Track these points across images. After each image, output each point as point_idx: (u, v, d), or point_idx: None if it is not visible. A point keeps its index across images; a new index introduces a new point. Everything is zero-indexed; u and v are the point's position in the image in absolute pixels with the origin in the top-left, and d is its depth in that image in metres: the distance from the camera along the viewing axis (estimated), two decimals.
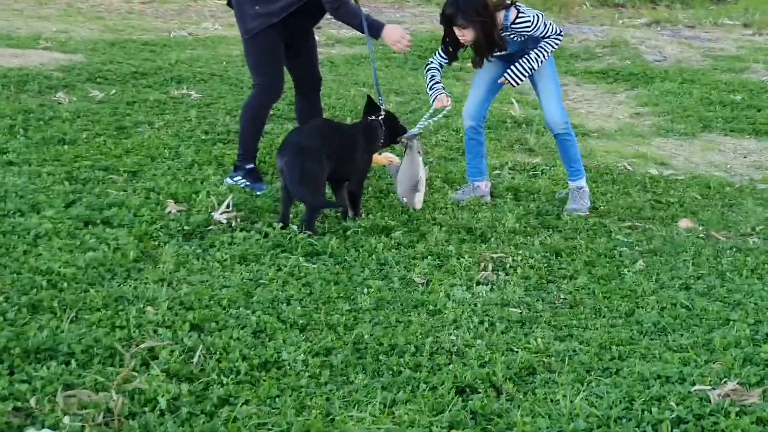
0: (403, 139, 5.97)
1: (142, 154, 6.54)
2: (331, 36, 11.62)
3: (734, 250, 5.64)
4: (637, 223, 6.06)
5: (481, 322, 4.32)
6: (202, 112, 7.80)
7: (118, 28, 11.59)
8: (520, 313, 4.50)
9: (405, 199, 5.91)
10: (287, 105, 7.84)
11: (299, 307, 4.33)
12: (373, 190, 6.22)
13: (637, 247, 5.61)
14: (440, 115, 6.26)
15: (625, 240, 5.70)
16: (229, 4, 6.15)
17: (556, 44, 6.01)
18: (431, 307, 4.48)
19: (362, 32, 5.81)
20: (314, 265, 4.96)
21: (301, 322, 4.17)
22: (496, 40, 5.90)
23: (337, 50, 11.12)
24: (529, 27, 5.91)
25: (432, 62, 6.14)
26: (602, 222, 5.98)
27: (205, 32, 11.57)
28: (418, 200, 5.92)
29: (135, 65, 9.26)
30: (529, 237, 5.62)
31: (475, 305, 4.53)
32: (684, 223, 6.14)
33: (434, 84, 6.08)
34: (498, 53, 6.05)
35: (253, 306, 4.31)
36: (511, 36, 5.95)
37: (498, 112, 8.50)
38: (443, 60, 6.11)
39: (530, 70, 6.00)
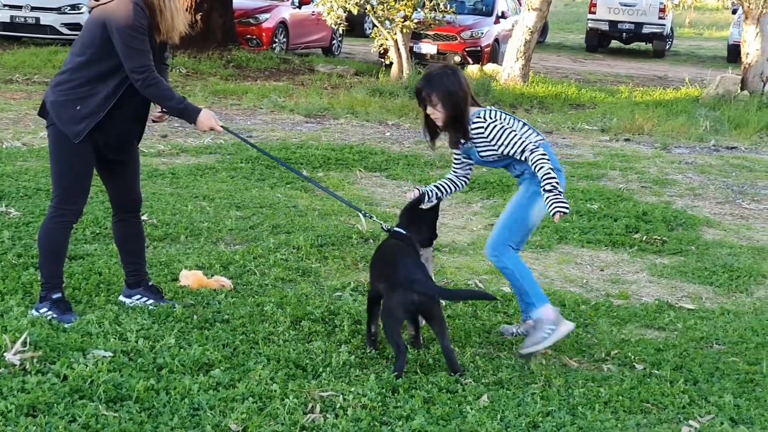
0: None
1: None
2: (176, 144, 11.07)
3: (587, 379, 5.22)
4: (484, 350, 5.61)
5: None
6: (19, 232, 7.14)
7: None
8: None
9: None
10: None
11: None
12: (198, 320, 5.64)
13: (482, 379, 5.15)
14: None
15: (471, 370, 5.23)
16: (40, 113, 5.57)
17: (544, 158, 5.39)
18: None
19: (175, 115, 5.49)
20: (116, 414, 4.36)
21: None
22: (465, 126, 5.50)
23: (181, 159, 10.57)
24: (481, 133, 5.48)
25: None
26: None
27: (42, 142, 10.89)
28: None
29: None
30: (365, 370, 5.10)
31: None
32: None
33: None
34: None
35: None
36: (472, 141, 5.54)
37: (343, 226, 8.04)
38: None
39: (557, 187, 5.34)
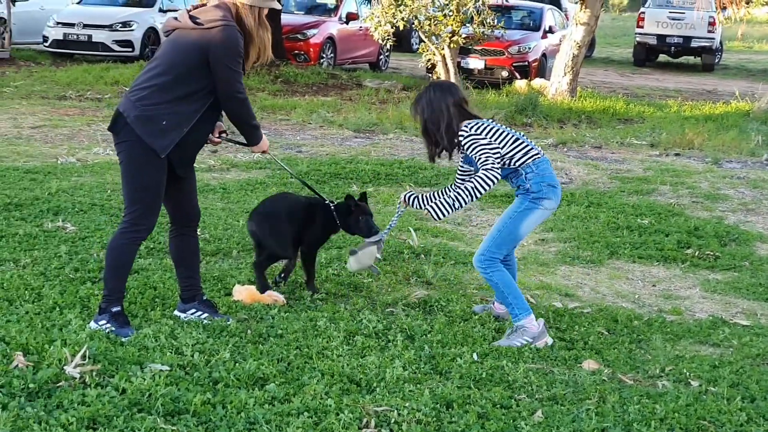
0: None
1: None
2: (227, 159, 11.17)
3: (642, 395, 5.19)
4: (537, 366, 5.60)
5: None
6: (75, 247, 7.23)
7: (2, 155, 11.00)
8: None
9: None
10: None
11: None
12: (252, 334, 5.68)
13: (536, 394, 5.14)
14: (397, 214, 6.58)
15: (524, 386, 5.23)
16: (111, 129, 5.59)
17: (483, 186, 5.81)
18: None
19: (245, 135, 5.76)
20: (174, 427, 4.40)
21: None
22: (437, 140, 5.99)
23: (232, 175, 10.67)
24: (461, 138, 5.91)
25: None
26: (499, 364, 5.50)
27: (95, 157, 11.04)
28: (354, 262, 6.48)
29: (10, 195, 8.65)
30: (419, 385, 5.11)
31: None
32: (588, 364, 5.68)
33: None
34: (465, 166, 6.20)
35: None
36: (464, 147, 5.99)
37: (395, 242, 8.05)
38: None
39: (448, 207, 5.91)
